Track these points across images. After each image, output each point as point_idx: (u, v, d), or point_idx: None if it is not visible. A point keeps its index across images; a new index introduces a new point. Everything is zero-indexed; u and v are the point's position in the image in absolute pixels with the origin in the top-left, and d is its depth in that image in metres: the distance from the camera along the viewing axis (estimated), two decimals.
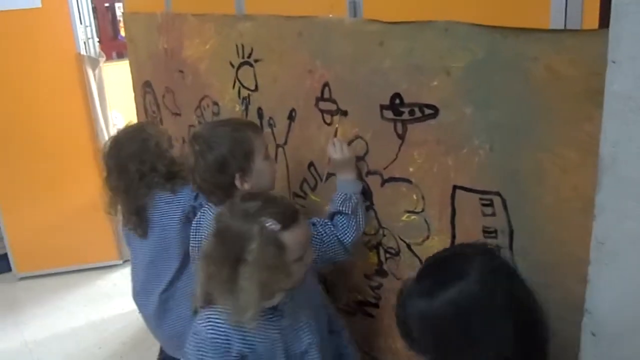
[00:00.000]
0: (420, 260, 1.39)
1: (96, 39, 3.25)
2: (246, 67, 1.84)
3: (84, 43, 3.17)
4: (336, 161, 1.48)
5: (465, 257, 0.89)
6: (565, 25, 0.99)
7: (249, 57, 1.82)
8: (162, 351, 2.21)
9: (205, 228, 1.57)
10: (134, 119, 4.33)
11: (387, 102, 1.35)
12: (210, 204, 1.59)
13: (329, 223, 1.48)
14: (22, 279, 3.60)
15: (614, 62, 0.73)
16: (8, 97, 3.16)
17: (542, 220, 1.09)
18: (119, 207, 1.84)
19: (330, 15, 1.46)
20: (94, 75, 3.23)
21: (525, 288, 0.88)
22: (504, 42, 1.07)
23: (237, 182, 1.46)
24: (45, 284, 3.55)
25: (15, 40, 3.08)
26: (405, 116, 1.32)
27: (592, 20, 0.95)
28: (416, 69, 1.26)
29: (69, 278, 3.59)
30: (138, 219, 1.81)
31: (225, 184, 1.45)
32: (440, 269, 0.91)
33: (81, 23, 3.14)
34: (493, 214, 1.20)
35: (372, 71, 1.37)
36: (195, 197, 1.77)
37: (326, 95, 1.55)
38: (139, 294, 1.97)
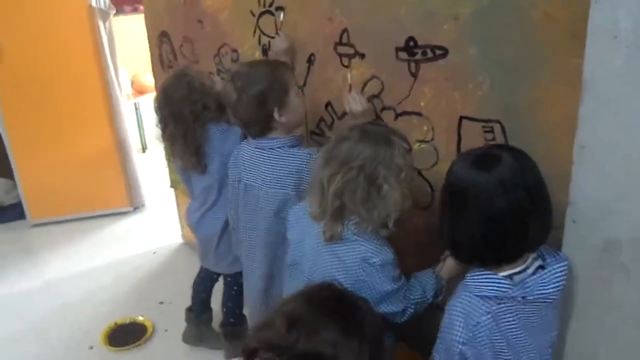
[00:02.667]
0: (430, 185, 1.61)
1: None
2: (267, 15, 2.01)
3: None
4: (358, 112, 1.66)
5: (504, 150, 1.10)
6: None
7: (270, 6, 1.98)
8: (201, 271, 2.42)
9: (244, 163, 1.74)
10: (138, 73, 4.45)
11: (402, 44, 1.54)
12: (247, 140, 1.76)
13: None
14: (35, 225, 3.79)
15: (595, 1, 0.94)
16: (22, 48, 3.28)
17: (536, 141, 1.30)
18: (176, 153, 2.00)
19: None
20: (105, 28, 3.35)
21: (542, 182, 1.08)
22: None
23: (276, 115, 1.64)
24: (58, 230, 3.74)
25: None
26: (419, 57, 1.52)
27: None
28: (429, 15, 1.45)
29: (82, 224, 3.78)
30: (197, 159, 1.97)
31: (265, 117, 1.64)
32: (487, 153, 1.11)
33: None
34: (493, 139, 1.41)
35: (389, 18, 1.55)
36: None
37: (344, 40, 1.74)
38: (205, 218, 2.13)
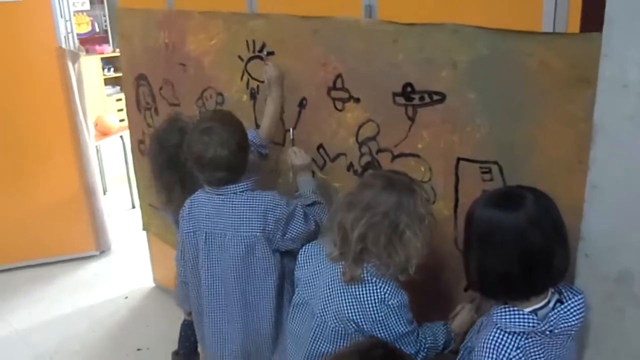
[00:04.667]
0: None
1: (75, 33, 3.32)
2: (256, 60, 2.05)
3: (64, 37, 3.24)
4: (298, 166, 1.84)
5: (525, 190, 1.15)
6: (554, 29, 1.29)
7: (260, 51, 2.03)
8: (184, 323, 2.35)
9: (203, 213, 1.71)
10: (101, 115, 4.39)
11: (399, 89, 1.61)
12: (202, 190, 1.74)
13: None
14: None
15: (605, 55, 1.03)
16: None
17: (532, 179, 1.37)
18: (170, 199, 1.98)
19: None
20: (74, 69, 3.30)
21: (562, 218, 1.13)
22: (505, 41, 1.35)
23: (251, 156, 1.73)
24: (22, 276, 3.57)
25: None
26: (416, 101, 1.59)
27: (575, 25, 1.25)
28: (427, 63, 1.53)
29: (47, 270, 3.63)
30: None
31: (245, 162, 1.69)
32: (510, 193, 1.18)
33: (62, 17, 3.20)
34: (491, 179, 1.49)
35: (386, 64, 1.63)
36: None
37: (338, 85, 1.80)
38: None
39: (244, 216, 1.67)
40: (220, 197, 1.70)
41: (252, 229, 1.66)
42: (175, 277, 2.11)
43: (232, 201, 1.68)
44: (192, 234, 1.76)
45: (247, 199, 1.68)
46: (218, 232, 1.71)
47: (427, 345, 1.43)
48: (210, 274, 1.75)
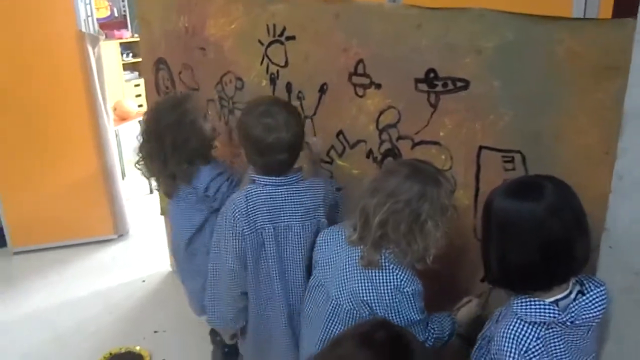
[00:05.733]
0: None
1: (95, 17, 3.33)
2: (277, 45, 2.04)
3: (84, 21, 3.25)
4: (320, 152, 1.92)
5: (544, 179, 1.14)
6: (584, 15, 1.26)
7: (280, 35, 2.01)
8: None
9: (267, 207, 1.64)
10: (120, 99, 4.41)
11: (422, 76, 1.59)
12: (255, 183, 1.67)
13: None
14: (16, 253, 3.67)
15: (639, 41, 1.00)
16: (9, 72, 3.22)
17: (556, 169, 1.34)
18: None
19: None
20: (94, 53, 3.31)
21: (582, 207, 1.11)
22: (533, 27, 1.32)
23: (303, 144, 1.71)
24: (41, 258, 3.63)
25: (17, 16, 3.13)
26: (439, 88, 1.56)
27: (607, 11, 1.22)
28: (450, 48, 1.50)
29: (65, 252, 3.68)
30: (172, 184, 2.03)
31: (300, 148, 1.68)
32: (529, 183, 1.16)
33: (81, 0, 3.21)
34: (513, 169, 1.46)
35: (409, 49, 1.60)
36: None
37: (360, 70, 1.77)
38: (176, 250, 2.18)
39: (309, 204, 1.67)
40: (283, 187, 1.66)
41: (317, 215, 1.68)
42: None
43: (296, 190, 1.66)
44: (254, 233, 1.64)
45: (307, 187, 1.68)
46: (284, 224, 1.66)
47: (434, 336, 1.44)
48: (282, 270, 1.69)
